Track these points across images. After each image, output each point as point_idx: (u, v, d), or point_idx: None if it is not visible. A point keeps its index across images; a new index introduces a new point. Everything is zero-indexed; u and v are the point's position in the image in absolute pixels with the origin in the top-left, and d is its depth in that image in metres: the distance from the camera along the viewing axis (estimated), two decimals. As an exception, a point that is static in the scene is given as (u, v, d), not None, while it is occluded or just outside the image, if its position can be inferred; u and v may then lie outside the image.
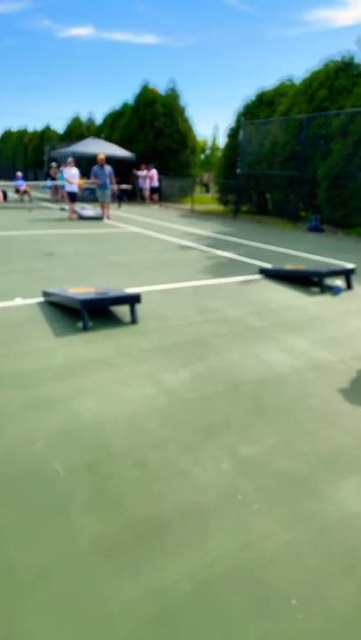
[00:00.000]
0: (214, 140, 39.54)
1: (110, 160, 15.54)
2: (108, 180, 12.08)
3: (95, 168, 12.09)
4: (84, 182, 13.11)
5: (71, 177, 12.44)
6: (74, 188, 12.41)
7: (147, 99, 19.89)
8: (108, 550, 1.64)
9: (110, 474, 2.04)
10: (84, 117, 27.98)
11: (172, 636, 1.35)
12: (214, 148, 37.65)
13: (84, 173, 14.62)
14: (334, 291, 5.24)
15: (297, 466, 2.14)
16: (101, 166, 11.99)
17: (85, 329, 3.81)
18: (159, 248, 8.22)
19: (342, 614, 1.43)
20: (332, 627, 1.40)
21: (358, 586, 1.53)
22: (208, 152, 38.37)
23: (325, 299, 5.10)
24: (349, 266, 5.75)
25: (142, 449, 2.22)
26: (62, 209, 14.30)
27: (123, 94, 60.80)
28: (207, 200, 20.36)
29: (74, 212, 12.37)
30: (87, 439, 2.29)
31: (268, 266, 6.40)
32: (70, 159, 13.40)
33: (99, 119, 25.14)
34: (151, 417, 2.52)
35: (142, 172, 18.07)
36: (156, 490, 1.95)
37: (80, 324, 3.88)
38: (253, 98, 16.02)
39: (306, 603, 1.47)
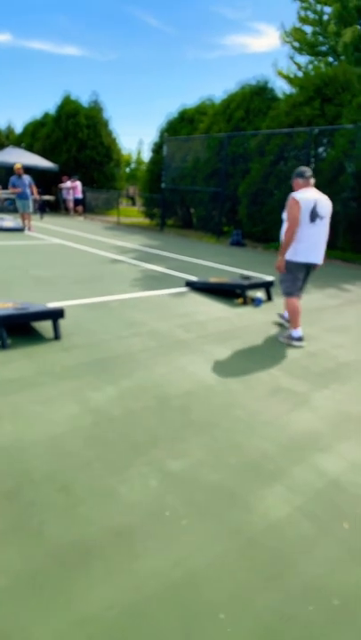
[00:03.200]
0: (139, 153, 39.89)
1: (33, 170, 15.10)
2: (28, 190, 11.69)
3: (13, 178, 11.66)
4: (1, 192, 12.56)
5: None
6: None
7: (69, 110, 19.61)
8: (31, 584, 1.54)
9: (32, 501, 1.93)
10: (2, 125, 26.92)
11: (99, 669, 1.29)
12: (139, 161, 37.97)
13: (4, 183, 14.03)
14: (256, 302, 5.45)
15: (224, 477, 2.17)
16: (19, 176, 11.58)
17: (3, 347, 3.61)
18: (84, 261, 8.07)
19: (270, 623, 1.46)
20: (261, 636, 1.41)
21: (284, 593, 1.57)
22: (133, 165, 38.59)
23: (248, 310, 5.28)
24: (269, 278, 6.03)
25: (66, 472, 2.13)
26: (-20, 220, 13.56)
27: (43, 104, 59.42)
28: (133, 213, 20.44)
29: (-8, 223, 11.78)
30: (5, 465, 2.15)
31: (193, 279, 6.52)
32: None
33: (18, 128, 24.32)
34: (75, 437, 2.42)
35: (66, 184, 17.75)
36: (81, 514, 1.87)
37: (-1, 342, 3.67)
38: (176, 115, 16.45)
39: (234, 615, 1.47)
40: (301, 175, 4.13)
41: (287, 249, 4.08)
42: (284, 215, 4.14)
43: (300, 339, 4.16)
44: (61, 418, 2.61)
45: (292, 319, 4.22)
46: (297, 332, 4.18)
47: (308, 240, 4.06)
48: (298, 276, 4.20)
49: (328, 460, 2.36)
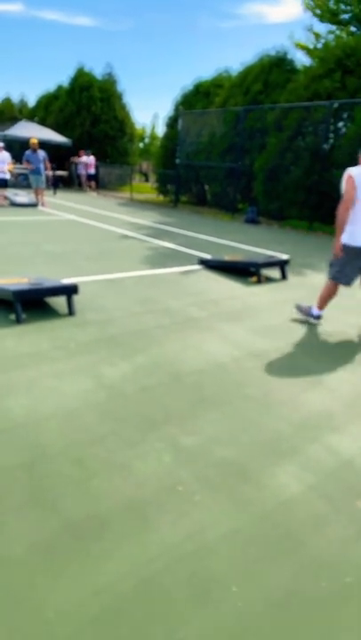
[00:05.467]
0: (153, 128, 39.09)
1: (46, 145, 14.94)
2: (41, 166, 11.58)
3: (28, 153, 11.55)
4: (14, 167, 12.47)
5: None
6: (4, 173, 11.75)
7: (82, 82, 19.25)
8: (45, 554, 1.57)
9: (46, 474, 1.95)
10: (15, 98, 26.58)
11: (113, 636, 1.32)
12: (153, 136, 37.26)
13: (18, 158, 13.93)
14: None
15: (237, 454, 2.17)
16: (34, 151, 11.46)
17: (18, 322, 3.63)
18: (98, 237, 8.02)
19: (282, 597, 1.47)
20: (271, 610, 1.43)
21: (294, 569, 1.58)
22: (147, 140, 37.91)
23: (262, 289, 5.22)
24: (284, 257, 5.93)
25: (80, 446, 2.15)
26: (-7, 195, 13.53)
27: (56, 76, 58.27)
28: (146, 189, 20.20)
29: (5, 198, 11.76)
30: (21, 438, 2.18)
31: (207, 256, 6.45)
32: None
33: (31, 101, 24.01)
34: (90, 412, 2.44)
35: (82, 159, 17.57)
36: (95, 487, 1.89)
37: (13, 317, 3.69)
38: (191, 87, 16.04)
39: (246, 589, 1.49)
40: None
41: (342, 229, 3.68)
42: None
43: (318, 317, 4.08)
44: (76, 393, 2.63)
45: (320, 298, 4.01)
46: (318, 311, 4.07)
47: None
48: (350, 263, 3.77)
49: (342, 439, 2.35)
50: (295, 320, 4.15)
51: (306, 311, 4.15)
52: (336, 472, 2.09)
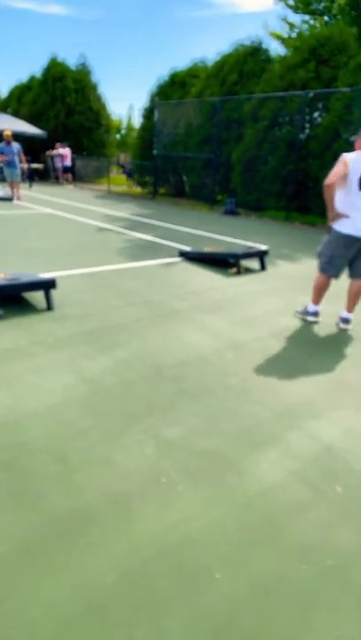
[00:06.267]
0: (130, 119, 38.67)
1: (20, 137, 14.63)
2: (16, 159, 11.34)
3: (1, 145, 11.29)
4: None
5: None
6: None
7: (56, 73, 18.86)
8: (29, 550, 1.56)
9: (29, 471, 1.94)
10: (-14, 90, 25.89)
11: (100, 630, 1.32)
12: (130, 128, 36.85)
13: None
14: None
15: (219, 444, 2.19)
16: (8, 143, 11.21)
17: (-4, 318, 3.56)
18: (76, 231, 7.92)
19: (265, 582, 1.49)
20: (256, 595, 1.45)
21: (278, 554, 1.60)
22: (124, 132, 37.47)
23: (242, 280, 5.25)
24: (263, 247, 5.97)
25: (62, 441, 2.13)
26: (-34, 189, 13.20)
27: (29, 67, 57.03)
28: (124, 181, 19.99)
29: (-20, 192, 11.49)
30: (2, 436, 2.15)
31: (187, 248, 6.44)
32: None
33: (3, 92, 23.43)
34: (71, 407, 2.42)
35: (58, 151, 17.27)
36: (78, 482, 1.88)
37: (-10, 313, 3.62)
38: (167, 78, 15.89)
39: (230, 576, 1.51)
40: None
41: (331, 203, 3.46)
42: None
43: (314, 313, 3.95)
44: (56, 388, 2.60)
45: (313, 292, 3.94)
46: (313, 307, 3.97)
47: (357, 210, 3.49)
48: (339, 253, 3.66)
49: (322, 426, 2.39)
50: (300, 319, 4.01)
51: (303, 310, 4.05)
52: (317, 458, 2.13)
